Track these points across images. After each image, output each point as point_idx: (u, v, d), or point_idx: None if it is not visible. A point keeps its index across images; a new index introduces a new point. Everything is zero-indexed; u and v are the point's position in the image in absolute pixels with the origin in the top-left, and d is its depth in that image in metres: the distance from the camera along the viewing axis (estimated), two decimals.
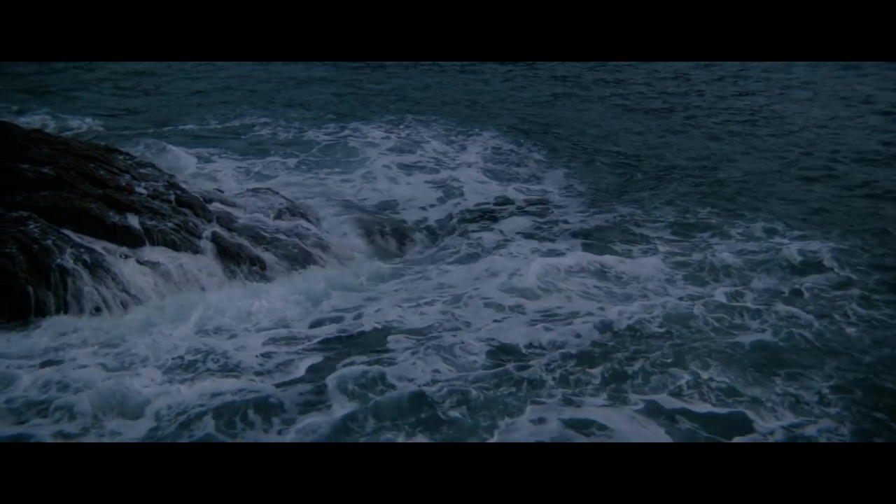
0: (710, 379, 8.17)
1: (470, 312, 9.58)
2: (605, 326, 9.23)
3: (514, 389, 8.02)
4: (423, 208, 13.05)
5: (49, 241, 9.75)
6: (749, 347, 8.77)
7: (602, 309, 9.65)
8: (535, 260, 10.80)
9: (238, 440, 7.24)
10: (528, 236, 11.98)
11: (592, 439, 7.10)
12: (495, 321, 9.38)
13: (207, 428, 7.34)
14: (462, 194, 13.63)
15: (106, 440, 7.15)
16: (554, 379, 8.19)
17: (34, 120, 16.37)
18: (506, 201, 13.30)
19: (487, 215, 12.76)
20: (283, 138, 16.28)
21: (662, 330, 9.16)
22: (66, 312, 9.22)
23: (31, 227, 9.86)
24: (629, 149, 16.03)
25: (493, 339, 8.96)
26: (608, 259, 11.01)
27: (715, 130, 17.34)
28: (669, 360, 8.51)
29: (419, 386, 7.98)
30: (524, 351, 8.80)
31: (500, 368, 8.39)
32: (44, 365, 8.27)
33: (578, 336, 9.04)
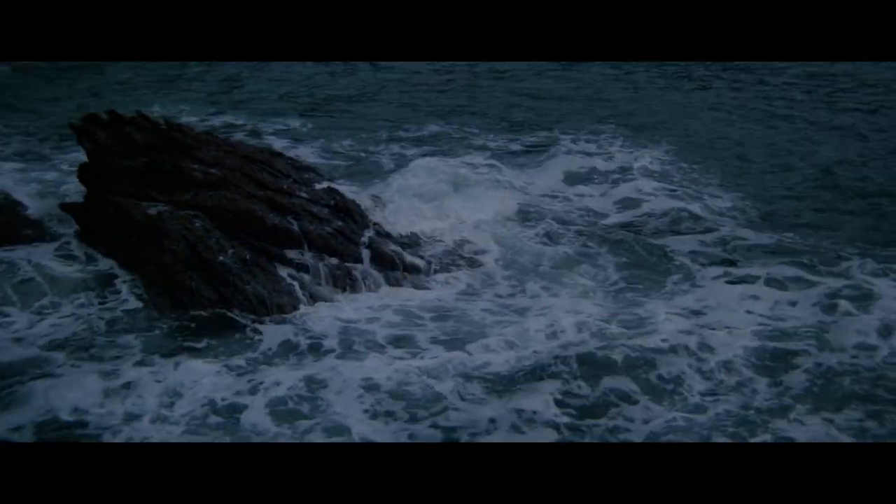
0: None
1: (677, 344, 9.05)
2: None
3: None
4: (598, 223, 12.61)
5: (213, 240, 10.21)
6: None
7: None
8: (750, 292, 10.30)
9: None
10: (719, 261, 11.28)
11: None
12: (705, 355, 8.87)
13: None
14: (641, 209, 13.11)
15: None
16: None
17: (228, 122, 17.28)
18: (690, 223, 12.58)
19: (674, 238, 12.08)
20: (460, 147, 16.19)
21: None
22: (226, 309, 9.49)
23: (197, 224, 10.35)
24: (809, 167, 14.92)
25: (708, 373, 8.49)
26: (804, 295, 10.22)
27: None
28: None
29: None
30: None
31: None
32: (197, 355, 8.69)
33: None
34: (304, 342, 9.10)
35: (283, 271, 10.29)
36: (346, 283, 10.40)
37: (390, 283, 10.56)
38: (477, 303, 10.08)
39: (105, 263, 10.50)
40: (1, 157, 14.62)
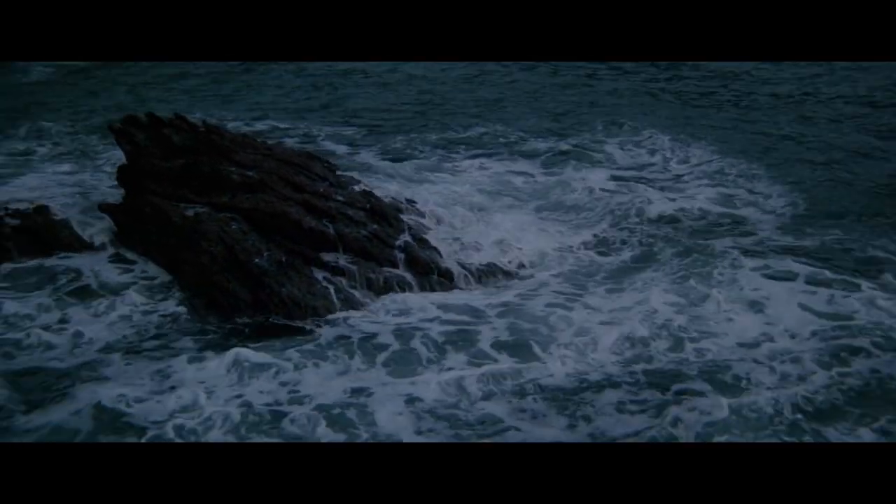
0: None
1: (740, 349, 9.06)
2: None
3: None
4: (651, 224, 12.47)
5: (249, 242, 10.27)
6: None
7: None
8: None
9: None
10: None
11: None
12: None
13: None
14: (691, 208, 13.03)
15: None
16: None
17: (273, 125, 17.38)
18: (742, 221, 12.59)
19: (727, 236, 12.05)
20: (507, 150, 16.02)
21: None
22: (260, 311, 9.54)
23: (234, 227, 10.43)
24: (853, 162, 14.83)
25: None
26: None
27: None
28: None
29: None
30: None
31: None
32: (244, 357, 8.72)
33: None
34: (346, 347, 9.01)
35: (319, 274, 10.30)
36: (380, 287, 10.38)
37: (424, 289, 10.51)
38: (523, 308, 9.88)
39: (143, 265, 10.62)
40: (42, 158, 14.88)
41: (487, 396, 8.15)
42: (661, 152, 15.40)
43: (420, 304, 9.95)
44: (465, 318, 9.66)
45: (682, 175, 14.35)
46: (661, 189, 13.75)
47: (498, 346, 9.05)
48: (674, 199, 13.28)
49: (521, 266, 11.16)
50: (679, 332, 9.21)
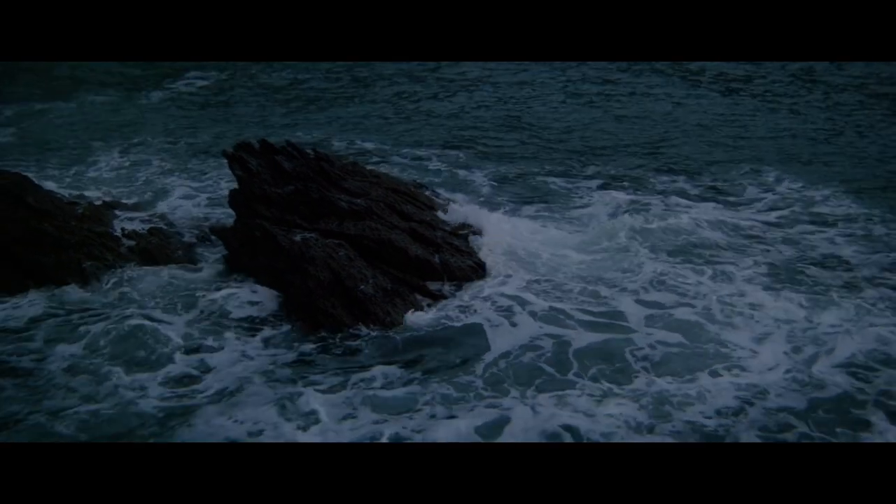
0: None
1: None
2: None
3: None
4: (781, 260, 12.04)
5: (355, 269, 10.36)
6: None
7: None
8: None
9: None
10: None
11: None
12: None
13: None
14: (823, 244, 12.61)
15: None
16: None
17: (382, 149, 17.59)
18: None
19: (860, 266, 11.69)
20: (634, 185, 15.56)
21: None
22: (363, 338, 9.57)
23: (341, 254, 10.54)
24: None
25: None
26: None
27: None
28: None
29: None
30: None
31: None
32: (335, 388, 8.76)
33: None
34: (465, 375, 8.91)
35: (424, 302, 10.30)
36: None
37: None
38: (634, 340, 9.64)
39: (252, 288, 10.80)
40: (159, 180, 15.48)
41: (634, 419, 8.00)
42: (791, 186, 14.98)
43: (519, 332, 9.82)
44: (575, 341, 9.56)
45: (804, 213, 13.88)
46: (786, 225, 13.36)
47: (639, 365, 9.01)
48: (798, 237, 12.81)
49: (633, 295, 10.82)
50: (839, 360, 9.01)
